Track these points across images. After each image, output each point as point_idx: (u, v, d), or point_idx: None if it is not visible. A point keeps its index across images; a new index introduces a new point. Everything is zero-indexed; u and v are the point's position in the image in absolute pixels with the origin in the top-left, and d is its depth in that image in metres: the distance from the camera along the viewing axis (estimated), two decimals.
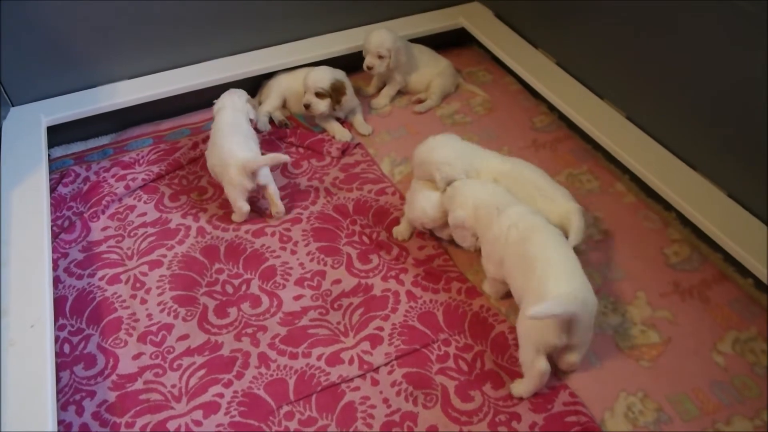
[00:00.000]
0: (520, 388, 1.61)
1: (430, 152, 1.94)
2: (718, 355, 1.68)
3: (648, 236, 2.01)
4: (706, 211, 1.86)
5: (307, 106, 2.42)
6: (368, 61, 2.54)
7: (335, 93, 2.41)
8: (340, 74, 2.47)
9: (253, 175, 2.07)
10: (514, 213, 1.74)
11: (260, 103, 2.60)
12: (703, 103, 1.91)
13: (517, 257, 1.67)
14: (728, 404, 1.58)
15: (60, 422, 1.61)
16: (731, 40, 1.76)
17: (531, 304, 1.51)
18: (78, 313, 1.89)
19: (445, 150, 1.94)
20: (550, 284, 1.53)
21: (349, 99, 2.48)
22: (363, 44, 2.56)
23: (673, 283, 1.86)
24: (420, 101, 2.61)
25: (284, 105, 2.60)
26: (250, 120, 2.28)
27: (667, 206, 2.03)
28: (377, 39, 2.50)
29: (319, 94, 2.40)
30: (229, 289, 1.94)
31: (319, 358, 1.74)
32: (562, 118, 2.41)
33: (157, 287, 1.95)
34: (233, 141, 2.12)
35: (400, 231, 2.05)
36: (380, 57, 2.52)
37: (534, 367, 1.55)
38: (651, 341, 1.72)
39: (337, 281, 1.94)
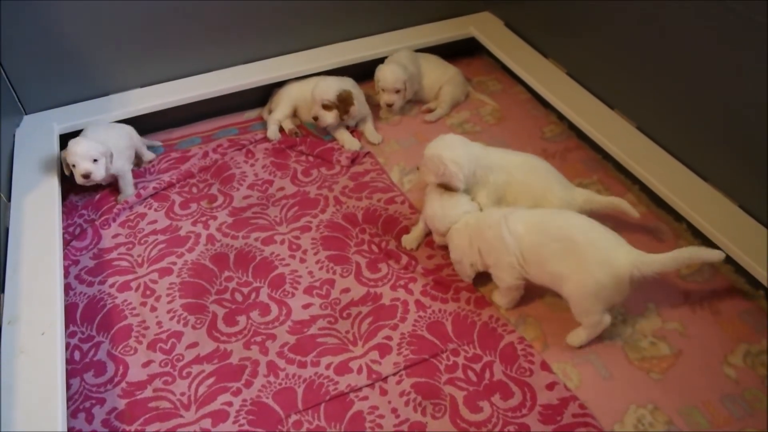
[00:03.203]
0: (580, 338, 1.73)
1: (442, 149, 1.91)
2: (729, 368, 1.67)
3: (658, 247, 1.98)
4: (716, 222, 1.85)
5: (315, 119, 2.43)
6: (387, 98, 2.54)
7: (342, 104, 2.41)
8: (348, 84, 2.48)
9: None
10: (512, 213, 1.77)
11: (270, 112, 2.61)
12: (714, 113, 1.90)
13: (543, 245, 1.69)
14: (739, 417, 1.57)
15: (70, 429, 1.62)
16: (744, 52, 1.75)
17: (597, 270, 1.61)
18: (88, 320, 1.90)
19: (457, 150, 1.91)
20: (616, 253, 1.63)
21: (360, 107, 2.49)
22: (376, 82, 2.55)
23: (684, 295, 1.85)
24: (429, 110, 2.62)
25: (294, 114, 2.61)
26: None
27: (678, 217, 2.02)
28: (392, 75, 2.49)
29: (326, 106, 2.41)
30: (239, 297, 1.94)
31: (327, 367, 1.74)
32: (572, 127, 2.41)
33: (167, 295, 1.96)
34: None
35: (409, 240, 2.05)
36: (397, 92, 2.52)
37: (601, 323, 1.69)
38: (661, 353, 1.71)
39: (346, 290, 1.94)
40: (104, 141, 2.19)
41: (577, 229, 1.67)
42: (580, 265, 1.63)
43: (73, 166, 2.13)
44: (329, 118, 2.42)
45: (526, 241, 1.72)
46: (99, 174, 2.14)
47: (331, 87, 2.41)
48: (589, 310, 1.68)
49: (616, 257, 1.61)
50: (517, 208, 1.80)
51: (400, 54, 2.62)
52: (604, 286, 1.62)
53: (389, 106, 2.55)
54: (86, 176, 2.13)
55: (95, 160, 2.13)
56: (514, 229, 1.73)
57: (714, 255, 1.58)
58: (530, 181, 1.96)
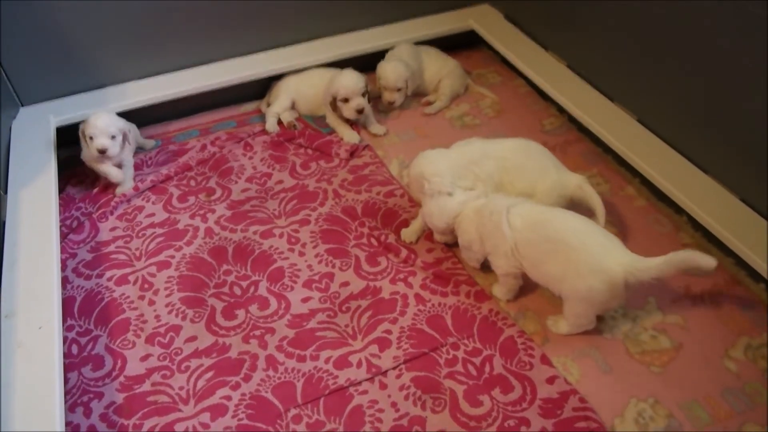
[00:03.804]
0: (560, 329, 1.75)
1: (423, 167, 1.93)
2: (730, 362, 1.66)
3: (659, 240, 1.99)
4: (717, 214, 1.85)
5: (360, 111, 2.41)
6: (389, 97, 2.52)
7: (367, 86, 2.44)
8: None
9: None
10: (516, 206, 1.76)
11: (269, 105, 2.60)
12: (715, 105, 1.89)
13: (538, 243, 1.68)
14: (740, 411, 1.56)
15: (68, 424, 1.61)
16: (745, 44, 1.74)
17: (591, 276, 1.59)
18: (86, 314, 1.89)
19: (436, 163, 1.93)
20: (609, 259, 1.59)
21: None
22: (378, 79, 2.53)
23: (685, 288, 1.84)
24: (429, 103, 2.60)
25: (293, 106, 2.60)
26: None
27: (678, 210, 2.01)
28: (394, 74, 2.48)
29: (363, 93, 2.41)
30: (237, 291, 1.93)
31: (327, 361, 1.73)
32: (572, 120, 2.40)
33: (165, 288, 1.95)
34: None
35: (408, 233, 2.04)
36: (399, 90, 2.51)
37: (590, 324, 1.72)
38: (662, 347, 1.71)
39: (345, 284, 1.93)
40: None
41: (573, 233, 1.63)
42: (573, 270, 1.62)
43: (90, 138, 2.16)
44: (367, 104, 2.46)
45: (521, 236, 1.71)
46: (114, 150, 2.18)
47: (358, 75, 2.42)
48: (580, 313, 1.69)
49: (610, 263, 1.58)
50: (522, 201, 1.78)
51: (402, 49, 2.60)
52: (598, 291, 1.61)
53: (390, 104, 2.53)
54: (102, 151, 2.16)
55: (113, 137, 2.17)
56: (513, 221, 1.73)
57: (707, 261, 1.52)
58: (525, 164, 1.96)
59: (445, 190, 1.89)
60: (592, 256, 1.60)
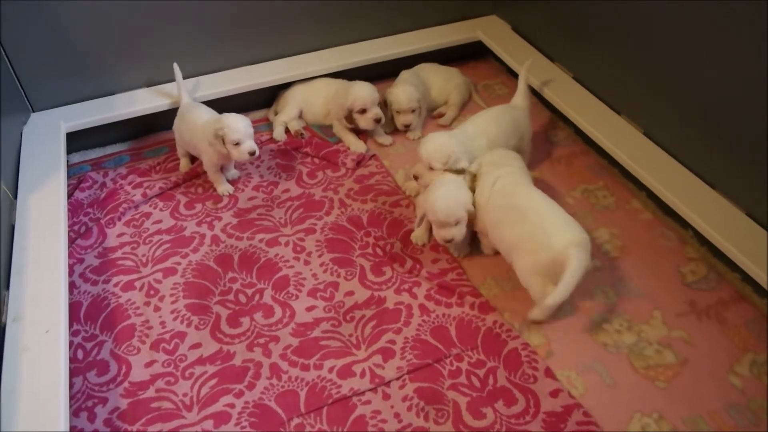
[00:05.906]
0: (533, 313, 1.80)
1: (448, 138, 2.02)
2: (735, 378, 1.66)
3: (664, 254, 1.99)
4: (723, 229, 1.84)
5: (378, 120, 2.42)
6: (404, 119, 2.49)
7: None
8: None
9: None
10: (504, 170, 1.93)
11: (276, 114, 2.61)
12: (721, 119, 1.89)
13: (503, 208, 1.84)
14: (744, 427, 1.55)
15: (72, 428, 1.61)
16: (752, 59, 1.74)
17: (533, 251, 1.75)
18: (92, 319, 1.90)
19: (453, 140, 2.02)
20: (556, 236, 1.72)
21: None
22: (390, 104, 2.50)
23: (690, 303, 1.84)
24: (441, 115, 2.61)
25: (300, 115, 2.61)
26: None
27: (684, 224, 2.01)
28: (406, 95, 2.46)
29: (378, 103, 2.43)
30: (242, 299, 1.94)
31: (330, 370, 1.73)
32: (579, 132, 2.40)
33: (171, 295, 1.96)
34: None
35: (419, 236, 2.09)
36: (413, 111, 2.49)
37: (541, 293, 1.76)
38: (667, 362, 1.70)
39: (350, 293, 1.94)
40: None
41: (534, 210, 1.78)
42: (525, 241, 1.76)
43: (236, 144, 2.16)
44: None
45: (494, 197, 1.88)
46: (257, 151, 2.20)
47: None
48: (530, 283, 1.78)
49: (553, 241, 1.70)
50: (513, 173, 1.93)
51: (405, 75, 2.61)
52: (542, 264, 1.72)
53: (406, 126, 2.51)
54: (252, 153, 2.18)
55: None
56: (496, 182, 1.90)
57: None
58: (504, 127, 2.17)
59: (464, 161, 2.00)
60: (543, 233, 1.73)
